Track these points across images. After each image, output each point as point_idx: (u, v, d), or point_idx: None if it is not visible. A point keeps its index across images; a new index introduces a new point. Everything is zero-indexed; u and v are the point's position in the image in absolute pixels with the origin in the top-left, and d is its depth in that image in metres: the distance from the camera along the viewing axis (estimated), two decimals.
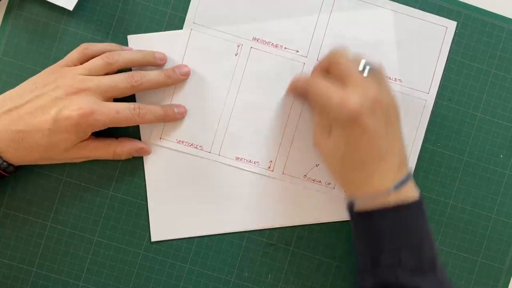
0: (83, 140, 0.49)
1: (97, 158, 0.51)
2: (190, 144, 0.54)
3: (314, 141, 0.50)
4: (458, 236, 0.55)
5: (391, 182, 0.46)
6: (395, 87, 0.54)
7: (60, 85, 0.47)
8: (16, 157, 0.47)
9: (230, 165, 0.54)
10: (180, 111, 0.53)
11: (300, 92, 0.52)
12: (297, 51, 0.54)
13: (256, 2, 0.54)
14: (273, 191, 0.54)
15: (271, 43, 0.54)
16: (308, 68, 0.54)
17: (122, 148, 0.51)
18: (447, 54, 0.54)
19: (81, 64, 0.50)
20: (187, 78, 0.53)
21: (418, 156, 0.54)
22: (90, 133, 0.49)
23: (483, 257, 0.55)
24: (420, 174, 0.55)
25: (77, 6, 0.52)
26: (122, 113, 0.48)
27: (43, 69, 0.52)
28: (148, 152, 0.53)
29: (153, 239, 0.53)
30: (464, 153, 0.55)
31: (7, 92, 0.49)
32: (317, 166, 0.54)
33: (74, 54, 0.50)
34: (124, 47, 0.52)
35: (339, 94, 0.46)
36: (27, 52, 0.53)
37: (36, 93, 0.47)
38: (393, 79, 0.54)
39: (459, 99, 0.55)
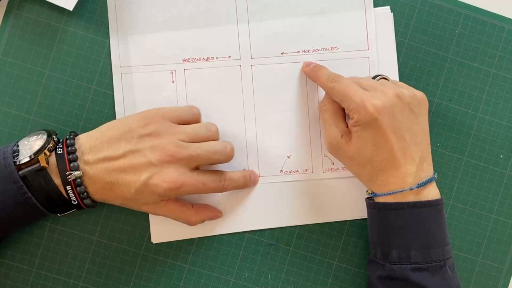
0: (163, 200, 0.49)
1: (169, 218, 0.50)
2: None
3: (331, 147, 0.50)
4: (458, 236, 0.55)
5: (413, 180, 0.47)
6: (334, 55, 0.54)
7: (157, 146, 0.47)
8: (101, 200, 0.48)
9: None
10: (255, 180, 0.53)
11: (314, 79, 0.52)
12: (230, 57, 0.53)
13: (172, 25, 0.53)
14: (263, 194, 0.54)
15: (201, 58, 0.53)
16: (245, 69, 0.53)
17: (196, 218, 0.51)
18: (372, 3, 0.54)
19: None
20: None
21: None
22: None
23: (483, 257, 0.55)
24: None
25: (77, 6, 0.52)
26: (208, 185, 0.49)
27: (43, 69, 0.53)
28: (220, 216, 0.53)
29: (154, 241, 0.53)
30: (464, 153, 0.55)
31: (104, 129, 0.49)
32: (288, 157, 0.54)
33: (185, 115, 0.50)
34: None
35: (360, 94, 0.47)
36: (27, 52, 0.53)
37: (132, 147, 0.47)
38: (330, 48, 0.54)
39: (459, 99, 0.55)
